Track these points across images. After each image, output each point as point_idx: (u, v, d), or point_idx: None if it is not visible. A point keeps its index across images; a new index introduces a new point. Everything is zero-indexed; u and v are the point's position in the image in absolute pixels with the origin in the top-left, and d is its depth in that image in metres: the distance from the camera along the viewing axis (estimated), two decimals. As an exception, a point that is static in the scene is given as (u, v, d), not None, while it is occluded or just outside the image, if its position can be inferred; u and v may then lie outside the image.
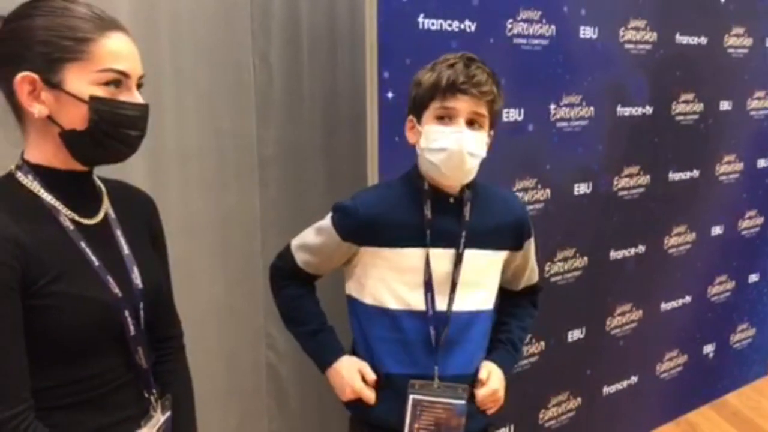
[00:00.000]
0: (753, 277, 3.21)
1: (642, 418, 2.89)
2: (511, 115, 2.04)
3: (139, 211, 1.22)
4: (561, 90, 2.17)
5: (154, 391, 1.17)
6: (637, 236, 2.59)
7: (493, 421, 1.60)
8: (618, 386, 2.73)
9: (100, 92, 1.02)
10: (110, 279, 1.08)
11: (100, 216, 1.13)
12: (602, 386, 2.67)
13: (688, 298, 2.90)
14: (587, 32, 2.18)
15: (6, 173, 1.08)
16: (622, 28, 2.30)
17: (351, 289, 1.52)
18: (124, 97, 1.05)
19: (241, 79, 1.99)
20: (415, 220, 1.44)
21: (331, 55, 2.12)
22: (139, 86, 1.08)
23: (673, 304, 2.84)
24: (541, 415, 2.47)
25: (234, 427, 2.16)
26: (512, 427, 2.38)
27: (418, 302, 1.44)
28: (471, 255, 1.46)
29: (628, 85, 2.39)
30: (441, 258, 1.44)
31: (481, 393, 1.48)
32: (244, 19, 1.97)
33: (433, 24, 1.83)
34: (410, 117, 1.46)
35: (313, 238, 1.52)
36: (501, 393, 1.52)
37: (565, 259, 2.35)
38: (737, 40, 2.72)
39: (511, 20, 1.99)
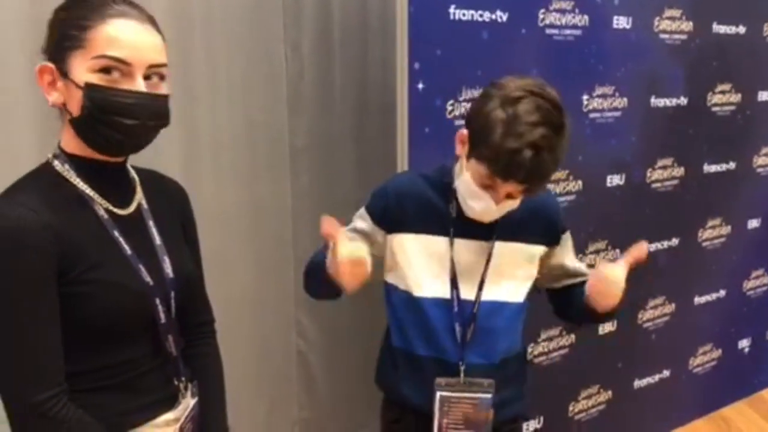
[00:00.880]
0: (791, 272, 3.14)
1: (674, 413, 2.86)
2: (543, 106, 2.02)
3: (171, 201, 1.24)
4: (593, 81, 2.15)
5: (183, 377, 1.19)
6: (670, 229, 2.56)
7: (523, 413, 1.60)
8: (649, 380, 2.70)
9: (95, 79, 1.01)
10: (142, 268, 1.10)
11: (133, 206, 1.15)
12: (633, 380, 2.65)
13: (722, 292, 2.84)
14: (621, 22, 2.15)
15: (43, 162, 1.10)
16: (657, 18, 2.26)
17: (386, 274, 1.52)
18: (125, 86, 1.02)
19: (274, 71, 2.01)
20: (443, 209, 1.45)
21: (362, 45, 2.13)
22: (161, 77, 1.07)
23: (707, 297, 2.80)
24: (571, 408, 2.46)
25: (264, 413, 2.20)
26: (542, 419, 2.38)
27: (443, 290, 1.45)
28: (500, 247, 1.46)
29: (663, 75, 2.35)
30: (468, 248, 1.44)
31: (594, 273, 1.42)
32: (277, 11, 1.99)
33: (464, 14, 1.82)
34: (465, 133, 1.37)
35: (356, 223, 1.50)
36: (614, 289, 1.40)
37: (596, 251, 2.33)
38: (777, 29, 2.66)
39: (543, 10, 1.97)
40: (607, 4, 2.12)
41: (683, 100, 2.43)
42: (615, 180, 2.32)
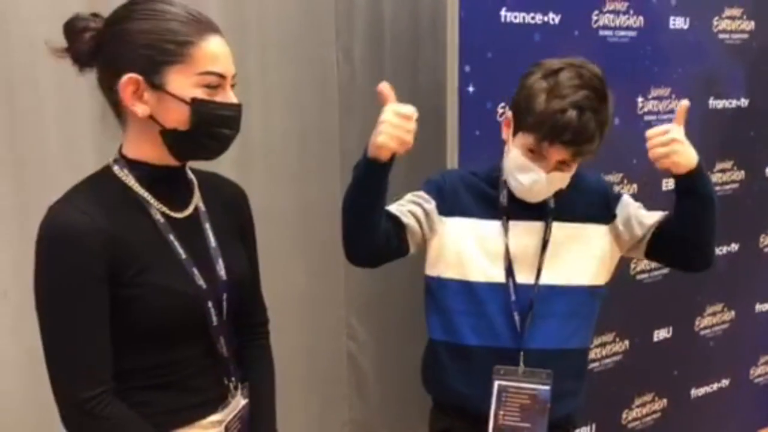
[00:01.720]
0: None
1: (733, 424, 2.77)
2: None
3: (229, 203, 1.26)
4: (649, 82, 2.12)
5: (234, 378, 1.21)
6: (730, 234, 2.49)
7: (578, 411, 1.57)
8: (707, 389, 2.63)
9: (200, 93, 1.07)
10: (195, 271, 1.13)
11: (190, 209, 1.17)
12: (690, 388, 2.58)
13: (785, 299, 2.76)
14: (678, 23, 2.11)
15: (103, 166, 1.14)
16: (716, 18, 2.21)
17: (430, 268, 1.50)
18: (220, 97, 1.08)
19: (325, 75, 2.04)
20: (494, 196, 1.46)
21: (412, 49, 2.14)
22: (232, 86, 1.12)
23: (769, 305, 2.71)
24: (624, 416, 2.41)
25: (315, 414, 2.22)
26: (594, 426, 2.34)
27: (497, 275, 1.44)
28: (556, 228, 1.45)
29: (722, 76, 2.30)
30: (523, 230, 1.44)
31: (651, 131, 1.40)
32: (329, 17, 2.02)
33: (515, 17, 1.81)
34: (510, 113, 1.41)
35: (410, 197, 1.50)
36: (675, 146, 1.42)
37: (652, 256, 2.28)
38: None
39: (597, 12, 1.95)
40: (663, 5, 2.09)
41: (744, 102, 2.37)
42: (671, 183, 2.24)
